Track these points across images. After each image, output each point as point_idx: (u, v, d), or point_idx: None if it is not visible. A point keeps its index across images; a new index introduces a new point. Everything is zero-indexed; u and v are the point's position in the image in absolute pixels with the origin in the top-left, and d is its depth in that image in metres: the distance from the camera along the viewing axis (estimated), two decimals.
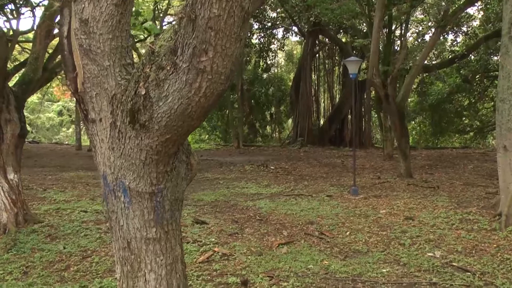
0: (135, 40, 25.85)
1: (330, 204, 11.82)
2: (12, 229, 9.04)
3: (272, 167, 19.87)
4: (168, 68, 3.34)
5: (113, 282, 6.68)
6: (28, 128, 48.68)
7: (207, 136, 40.47)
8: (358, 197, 12.74)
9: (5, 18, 23.41)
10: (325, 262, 7.57)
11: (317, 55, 36.39)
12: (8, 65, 22.70)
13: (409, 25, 26.89)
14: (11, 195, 9.38)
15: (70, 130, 53.24)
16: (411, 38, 32.26)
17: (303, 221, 10.11)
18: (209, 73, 3.24)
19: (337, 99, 36.34)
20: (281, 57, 43.69)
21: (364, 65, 26.80)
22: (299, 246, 8.42)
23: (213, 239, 8.71)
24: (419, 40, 30.62)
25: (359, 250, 8.27)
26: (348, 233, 9.27)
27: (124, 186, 3.86)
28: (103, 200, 10.76)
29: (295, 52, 43.21)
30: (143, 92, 3.46)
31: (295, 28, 36.00)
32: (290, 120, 42.01)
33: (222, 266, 7.36)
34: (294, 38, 40.38)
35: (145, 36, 27.78)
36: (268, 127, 41.55)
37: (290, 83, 38.09)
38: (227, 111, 36.03)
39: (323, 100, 39.49)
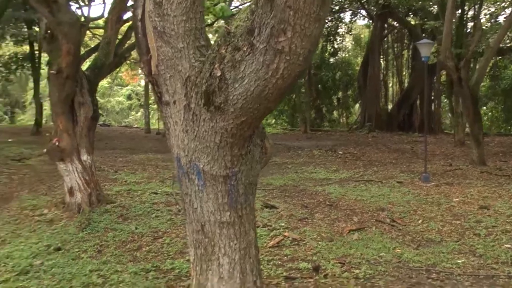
0: None
1: (401, 191, 11.53)
2: (86, 209, 9.27)
3: (340, 152, 19.62)
4: (245, 49, 3.27)
5: (184, 263, 6.72)
6: (99, 111, 50.05)
7: (273, 120, 40.39)
8: (429, 184, 12.38)
9: (77, 5, 24.10)
10: (398, 250, 7.36)
11: (385, 38, 35.63)
12: (81, 50, 23.38)
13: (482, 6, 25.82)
14: (84, 176, 9.60)
15: (139, 113, 54.42)
16: (483, 20, 31.01)
17: (374, 207, 9.90)
18: (287, 53, 3.15)
19: (406, 84, 35.50)
20: (348, 41, 43.04)
21: (434, 48, 25.98)
22: (370, 233, 8.24)
23: (283, 224, 8.64)
24: (492, 22, 29.40)
25: (432, 239, 8.00)
26: (420, 221, 9.00)
27: (198, 169, 3.84)
28: (173, 182, 10.87)
29: (362, 36, 42.43)
30: (218, 74, 3.41)
31: (363, 12, 35.34)
32: (357, 105, 41.40)
33: (293, 251, 7.28)
34: (362, 22, 39.66)
35: (213, 20, 27.94)
36: (335, 112, 41.05)
37: (358, 68, 37.48)
38: (294, 96, 35.78)
39: (391, 84, 38.67)
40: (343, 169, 15.42)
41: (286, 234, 8.02)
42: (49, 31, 9.42)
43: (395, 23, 34.90)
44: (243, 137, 3.68)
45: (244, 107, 3.40)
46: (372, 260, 6.88)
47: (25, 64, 30.77)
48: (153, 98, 42.53)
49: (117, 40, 14.93)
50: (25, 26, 26.68)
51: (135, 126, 45.87)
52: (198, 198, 3.94)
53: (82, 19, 24.02)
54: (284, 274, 6.40)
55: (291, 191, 11.61)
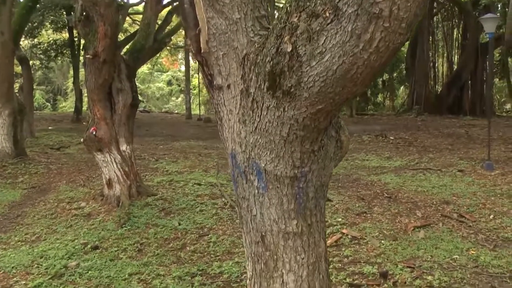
0: None
1: (464, 181, 10.52)
2: (126, 202, 8.66)
3: (391, 138, 18.60)
4: (327, 15, 2.47)
5: (233, 267, 6.06)
6: (140, 97, 50.12)
7: None
8: (494, 173, 11.31)
9: None
10: (472, 252, 6.49)
11: (434, 17, 34.13)
12: (119, 36, 23.00)
13: None
14: (123, 167, 9.01)
15: (179, 99, 54.52)
16: None
17: (437, 200, 8.98)
18: (386, 19, 2.33)
19: (456, 65, 34.00)
20: None
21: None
22: (438, 231, 7.37)
23: (340, 219, 7.84)
24: None
25: (510, 238, 7.08)
26: (491, 216, 8.06)
27: (258, 168, 3.09)
28: (217, 172, 10.15)
29: None
30: (289, 49, 2.63)
31: None
32: (402, 88, 40.18)
33: (354, 251, 6.51)
34: None
35: None
36: (380, 95, 39.80)
37: (404, 49, 36.12)
38: None
39: (440, 65, 37.10)
40: (396, 156, 14.45)
41: (344, 231, 7.26)
42: (84, 13, 8.76)
43: (444, 0, 33.32)
44: (317, 129, 2.91)
45: (322, 91, 2.62)
46: (445, 264, 6.06)
47: (64, 51, 30.58)
48: (194, 83, 42.54)
49: (157, 26, 14.42)
50: (64, 13, 26.43)
51: (176, 112, 45.79)
52: (258, 203, 3.20)
53: (122, 4, 23.72)
54: (347, 280, 5.67)
55: (344, 181, 10.77)
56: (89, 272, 6.09)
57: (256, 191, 3.18)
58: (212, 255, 6.62)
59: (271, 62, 2.74)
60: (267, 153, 3.02)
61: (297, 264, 3.28)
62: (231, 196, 8.85)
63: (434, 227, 7.54)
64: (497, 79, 32.89)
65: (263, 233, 3.24)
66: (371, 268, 5.91)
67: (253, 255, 3.37)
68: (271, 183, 3.10)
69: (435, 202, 8.83)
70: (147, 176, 11.32)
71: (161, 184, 10.55)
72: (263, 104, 2.90)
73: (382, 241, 6.88)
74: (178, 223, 7.91)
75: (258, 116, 2.95)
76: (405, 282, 5.56)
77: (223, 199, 9.05)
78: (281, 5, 25.46)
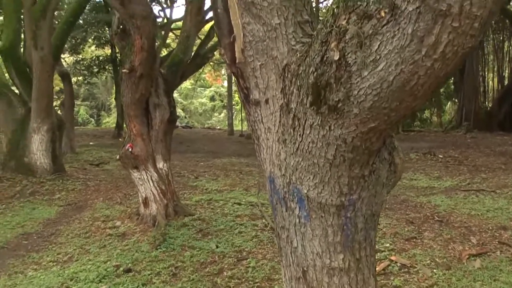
0: None
1: None
2: (162, 222, 8.34)
3: (440, 156, 17.84)
4: (382, 15, 2.05)
5: None
6: (182, 113, 50.50)
7: None
8: None
9: (159, 7, 24.04)
10: None
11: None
12: (162, 52, 23.04)
13: None
14: (160, 185, 8.70)
15: (222, 115, 54.72)
16: None
17: (493, 225, 8.33)
18: (455, 17, 1.90)
19: (507, 78, 32.87)
20: None
21: None
22: (496, 260, 6.76)
23: (388, 245, 7.32)
24: None
25: None
26: None
27: (300, 194, 2.69)
28: (258, 191, 9.70)
29: None
30: (336, 57, 2.22)
31: None
32: (449, 103, 39.19)
33: (403, 281, 5.99)
34: None
35: None
36: (426, 111, 38.82)
37: None
38: None
39: (490, 80, 35.98)
40: (446, 175, 13.76)
41: (393, 258, 6.72)
42: (121, 26, 8.53)
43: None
44: (368, 151, 2.49)
45: (375, 106, 2.21)
46: None
47: (107, 67, 30.92)
48: (237, 98, 42.57)
49: (199, 40, 14.24)
50: (106, 28, 26.76)
51: (218, 127, 45.88)
52: (299, 234, 2.80)
53: (165, 21, 23.86)
54: None
55: (391, 202, 10.19)
56: None
57: (297, 220, 2.79)
58: (250, 282, 6.19)
59: (315, 73, 2.35)
60: (310, 177, 2.63)
61: None
62: (272, 217, 8.43)
63: (491, 256, 6.94)
64: None
65: (305, 268, 2.84)
66: None
67: None
68: (314, 212, 2.71)
69: (491, 227, 8.19)
70: (185, 195, 11.02)
71: (199, 203, 10.21)
72: (305, 122, 2.51)
73: (435, 270, 6.34)
74: (216, 246, 7.53)
75: (300, 135, 2.57)
76: None
77: (264, 220, 8.64)
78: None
